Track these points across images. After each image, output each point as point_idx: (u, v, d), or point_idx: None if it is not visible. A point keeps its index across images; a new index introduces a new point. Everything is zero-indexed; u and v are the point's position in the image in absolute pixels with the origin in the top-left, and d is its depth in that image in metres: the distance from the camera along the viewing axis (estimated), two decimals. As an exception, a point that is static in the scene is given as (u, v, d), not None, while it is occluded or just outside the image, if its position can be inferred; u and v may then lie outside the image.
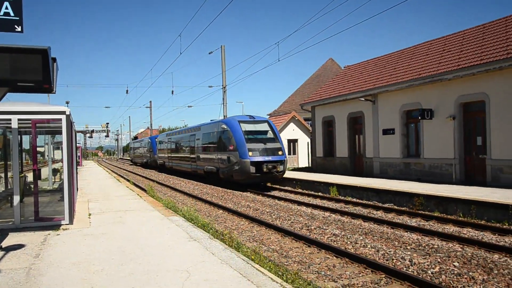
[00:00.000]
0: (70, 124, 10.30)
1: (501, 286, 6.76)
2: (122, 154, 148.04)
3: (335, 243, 10.05)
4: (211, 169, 25.35)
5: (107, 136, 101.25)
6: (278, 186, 22.53)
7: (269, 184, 24.36)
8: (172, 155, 37.51)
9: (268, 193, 20.03)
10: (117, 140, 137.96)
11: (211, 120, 28.92)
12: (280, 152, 21.93)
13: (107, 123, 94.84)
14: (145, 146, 55.01)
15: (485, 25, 20.47)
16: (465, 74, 17.69)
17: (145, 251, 7.57)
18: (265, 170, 20.98)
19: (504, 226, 11.46)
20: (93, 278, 6.06)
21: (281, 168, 21.58)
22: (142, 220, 10.98)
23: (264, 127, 23.32)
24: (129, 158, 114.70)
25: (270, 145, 21.90)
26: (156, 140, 47.38)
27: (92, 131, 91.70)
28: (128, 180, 29.38)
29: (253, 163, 21.02)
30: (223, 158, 23.31)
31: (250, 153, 21.08)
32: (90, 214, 12.06)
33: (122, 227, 9.97)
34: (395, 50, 26.62)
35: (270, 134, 22.90)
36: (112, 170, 47.70)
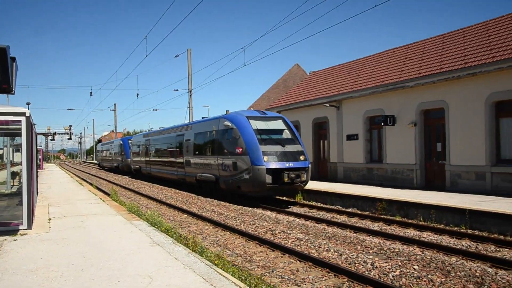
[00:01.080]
0: (30, 126, 10.02)
1: (457, 288, 6.97)
2: (85, 157, 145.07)
3: (299, 247, 10.13)
4: (208, 178, 20.54)
5: (70, 138, 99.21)
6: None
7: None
8: (151, 159, 32.16)
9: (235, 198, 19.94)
10: (80, 143, 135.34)
11: (202, 118, 24.67)
12: (302, 157, 17.52)
13: (70, 126, 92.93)
14: (116, 148, 48.78)
15: (444, 35, 21.15)
16: (425, 82, 18.20)
17: (106, 256, 7.43)
18: (286, 179, 16.54)
19: (461, 230, 11.83)
20: (51, 284, 5.90)
21: (304, 177, 17.25)
22: (104, 224, 10.78)
23: (278, 124, 18.87)
24: (93, 161, 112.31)
25: (289, 148, 17.52)
26: (130, 141, 42.28)
27: (54, 134, 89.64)
28: (91, 184, 28.76)
29: (270, 171, 16.63)
30: (226, 163, 18.63)
31: (266, 158, 16.70)
32: (50, 219, 11.75)
33: (84, 232, 9.76)
34: (359, 57, 27.17)
35: (287, 134, 18.51)
36: (74, 174, 46.61)
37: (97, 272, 6.46)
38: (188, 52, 35.14)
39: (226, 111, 20.63)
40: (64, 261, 7.11)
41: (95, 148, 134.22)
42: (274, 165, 16.73)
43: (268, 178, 16.63)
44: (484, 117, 16.22)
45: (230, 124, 18.71)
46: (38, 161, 27.28)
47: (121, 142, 45.43)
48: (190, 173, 23.28)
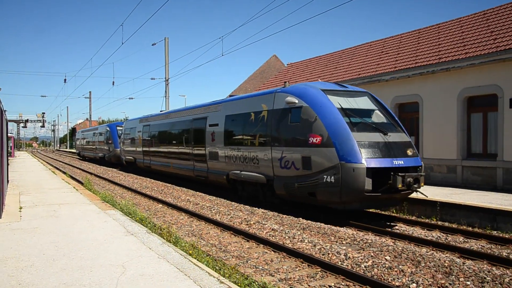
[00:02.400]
0: (0, 112, 9.79)
1: (427, 278, 7.13)
2: (59, 145, 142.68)
3: (273, 238, 10.19)
4: (252, 178, 14.81)
5: (42, 126, 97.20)
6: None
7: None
8: (152, 149, 25.94)
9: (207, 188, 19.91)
10: (53, 130, 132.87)
11: (230, 96, 19.34)
12: (410, 151, 11.94)
13: (43, 113, 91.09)
14: (101, 136, 41.74)
15: (419, 31, 21.44)
16: (401, 76, 18.45)
17: (79, 246, 7.35)
18: (400, 185, 11.06)
19: (432, 222, 12.08)
20: (21, 274, 5.82)
21: (423, 181, 11.89)
22: (77, 214, 10.65)
23: (366, 103, 13.09)
24: (68, 150, 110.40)
25: (393, 137, 11.95)
26: (119, 128, 36.85)
27: (27, 121, 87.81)
28: (64, 173, 28.32)
29: (370, 172, 11.07)
30: (289, 158, 12.85)
31: (363, 152, 11.19)
32: (21, 208, 11.55)
33: (56, 221, 9.63)
34: (336, 49, 27.36)
35: (381, 117, 12.75)
36: (47, 162, 45.79)
37: (69, 262, 6.39)
38: (165, 41, 34.77)
39: (284, 82, 14.39)
40: (35, 251, 7.01)
41: (69, 135, 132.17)
42: (377, 162, 11.18)
43: (368, 183, 11.02)
44: (456, 112, 16.55)
45: (296, 101, 12.84)
46: (9, 149, 26.68)
47: (108, 128, 39.11)
48: (216, 169, 17.52)
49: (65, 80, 58.87)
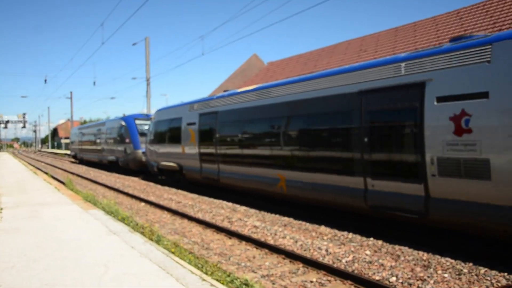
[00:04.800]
0: (-21, 114, 9.70)
1: (406, 271, 7.30)
2: (40, 146, 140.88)
3: (255, 234, 10.28)
4: None
5: (24, 127, 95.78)
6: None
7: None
8: (225, 151, 15.47)
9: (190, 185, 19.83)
10: (35, 131, 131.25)
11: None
12: None
13: (24, 114, 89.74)
14: (112, 133, 30.79)
15: (396, 29, 21.77)
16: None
17: (61, 246, 7.35)
18: None
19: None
20: (2, 276, 5.81)
21: None
22: (59, 214, 10.61)
23: None
24: (49, 150, 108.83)
25: None
26: (139, 122, 27.63)
27: (7, 122, 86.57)
28: (46, 173, 28.00)
29: None
30: None
31: None
32: (2, 209, 11.46)
33: (38, 222, 9.58)
34: (316, 48, 27.61)
35: None
36: (29, 163, 45.18)
37: (51, 262, 6.40)
38: (146, 41, 34.59)
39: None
40: (17, 252, 6.99)
41: (51, 136, 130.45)
42: None
43: None
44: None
45: None
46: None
47: (124, 123, 28.47)
48: (490, 202, 7.24)
49: (45, 80, 58.13)
